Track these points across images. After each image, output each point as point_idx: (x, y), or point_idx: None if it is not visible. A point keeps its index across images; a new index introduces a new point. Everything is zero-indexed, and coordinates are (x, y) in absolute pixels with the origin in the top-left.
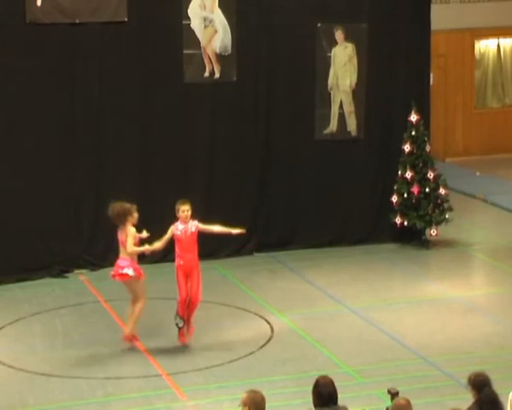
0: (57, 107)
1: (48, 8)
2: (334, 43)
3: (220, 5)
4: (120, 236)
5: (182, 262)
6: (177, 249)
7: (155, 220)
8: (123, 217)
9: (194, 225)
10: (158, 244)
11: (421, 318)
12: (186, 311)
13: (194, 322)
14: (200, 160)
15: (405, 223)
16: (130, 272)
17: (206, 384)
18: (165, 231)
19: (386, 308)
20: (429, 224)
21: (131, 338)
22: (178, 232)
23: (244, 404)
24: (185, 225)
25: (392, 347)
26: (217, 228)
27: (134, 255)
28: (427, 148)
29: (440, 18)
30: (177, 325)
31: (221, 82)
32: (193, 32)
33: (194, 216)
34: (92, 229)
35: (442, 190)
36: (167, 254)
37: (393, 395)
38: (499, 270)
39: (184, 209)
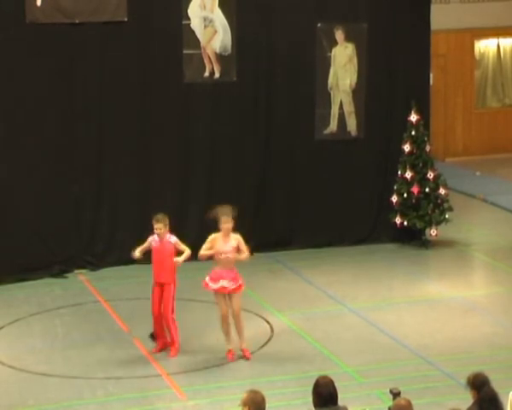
0: (57, 107)
1: (48, 8)
2: (334, 43)
3: (220, 5)
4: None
5: (155, 277)
6: (152, 263)
7: None
8: None
9: (171, 241)
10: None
11: (421, 318)
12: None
13: (195, 322)
14: (200, 159)
15: (405, 223)
16: None
17: (206, 384)
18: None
19: (386, 308)
20: (429, 224)
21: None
22: (154, 244)
23: (244, 404)
24: (161, 241)
25: (392, 347)
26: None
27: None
28: (427, 148)
29: (440, 18)
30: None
31: (221, 82)
32: (193, 31)
33: (193, 216)
34: (92, 229)
35: (442, 190)
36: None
37: (395, 395)
38: (499, 270)
39: (157, 227)
